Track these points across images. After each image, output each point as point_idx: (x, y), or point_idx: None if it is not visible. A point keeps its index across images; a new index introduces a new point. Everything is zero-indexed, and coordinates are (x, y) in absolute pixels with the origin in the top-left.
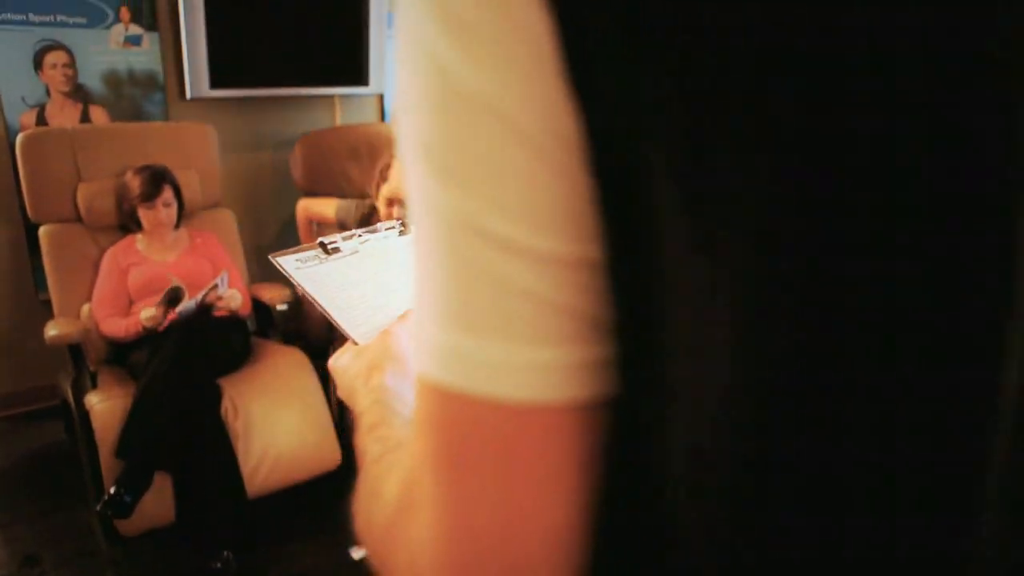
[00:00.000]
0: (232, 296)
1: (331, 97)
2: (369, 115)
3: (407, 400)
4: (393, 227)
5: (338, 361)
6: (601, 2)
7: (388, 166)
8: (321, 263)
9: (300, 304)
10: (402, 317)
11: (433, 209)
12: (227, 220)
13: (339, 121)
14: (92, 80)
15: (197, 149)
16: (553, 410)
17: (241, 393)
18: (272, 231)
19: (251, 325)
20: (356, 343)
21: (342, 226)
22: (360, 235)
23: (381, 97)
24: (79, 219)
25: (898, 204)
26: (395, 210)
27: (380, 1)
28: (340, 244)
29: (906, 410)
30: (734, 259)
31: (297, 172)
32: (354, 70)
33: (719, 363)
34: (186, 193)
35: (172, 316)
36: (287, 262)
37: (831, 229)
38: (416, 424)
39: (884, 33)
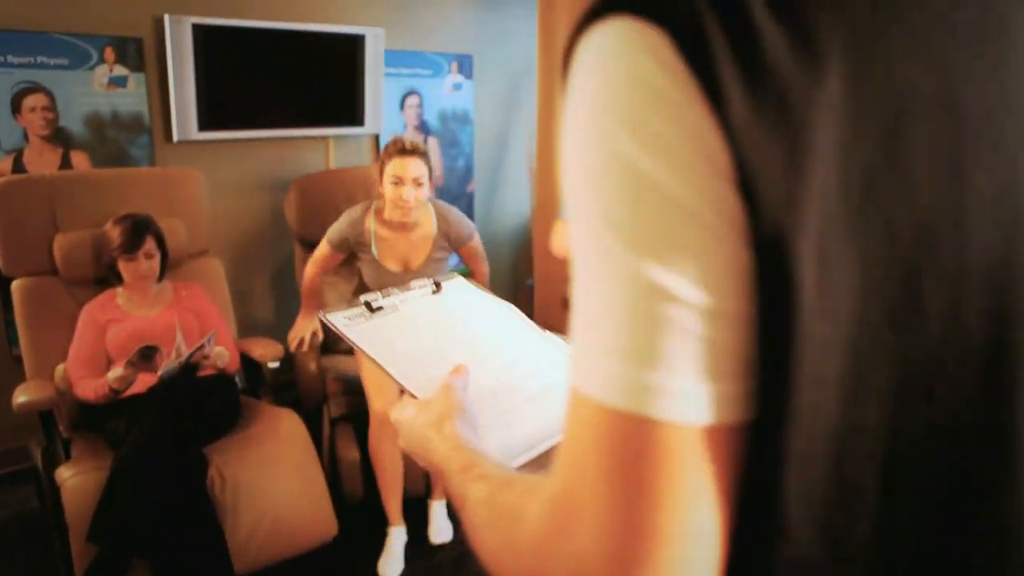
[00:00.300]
0: (220, 355)
1: (324, 138)
2: (364, 156)
3: (479, 444)
4: (426, 286)
5: (402, 414)
6: (762, 138)
7: (396, 140)
8: (367, 320)
9: (293, 360)
10: (455, 371)
11: (620, 270)
12: (215, 270)
13: (332, 163)
14: (74, 123)
15: (183, 195)
16: (716, 429)
17: (228, 461)
18: (263, 279)
19: (240, 382)
20: (414, 396)
21: (340, 247)
22: (396, 293)
23: (376, 138)
24: (55, 272)
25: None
26: (403, 190)
27: (376, 39)
28: (382, 303)
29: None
30: (844, 330)
31: (292, 216)
32: (348, 110)
33: (830, 399)
34: (171, 242)
35: (151, 378)
36: (336, 319)
37: (900, 323)
38: (581, 446)
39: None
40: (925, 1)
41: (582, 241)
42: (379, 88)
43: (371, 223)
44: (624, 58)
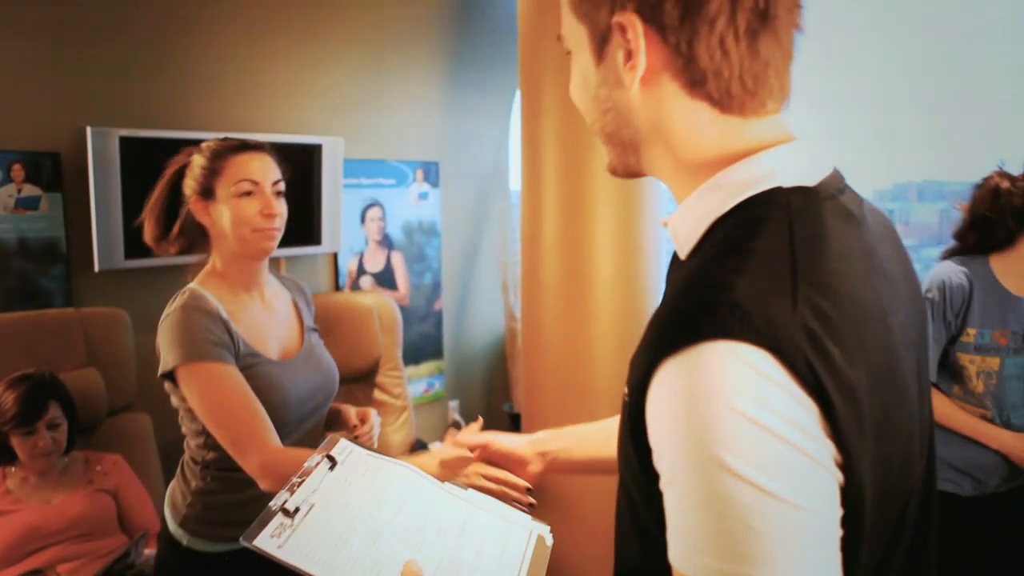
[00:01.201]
0: (150, 563)
1: (275, 260)
2: (321, 280)
3: None
4: (321, 463)
5: None
6: (844, 409)
7: (223, 140)
8: (293, 531)
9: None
10: (409, 571)
11: (758, 495)
12: (141, 428)
13: None
14: None
15: (103, 341)
16: None
17: None
18: None
19: None
20: None
21: (220, 348)
22: (298, 482)
23: (335, 257)
24: None
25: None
26: (264, 201)
27: (334, 148)
28: (295, 501)
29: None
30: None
31: None
32: (303, 227)
33: (873, 540)
34: (85, 401)
35: None
36: (265, 543)
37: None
38: None
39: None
40: (867, 299)
41: (713, 478)
42: (337, 202)
43: (209, 297)
44: (749, 363)
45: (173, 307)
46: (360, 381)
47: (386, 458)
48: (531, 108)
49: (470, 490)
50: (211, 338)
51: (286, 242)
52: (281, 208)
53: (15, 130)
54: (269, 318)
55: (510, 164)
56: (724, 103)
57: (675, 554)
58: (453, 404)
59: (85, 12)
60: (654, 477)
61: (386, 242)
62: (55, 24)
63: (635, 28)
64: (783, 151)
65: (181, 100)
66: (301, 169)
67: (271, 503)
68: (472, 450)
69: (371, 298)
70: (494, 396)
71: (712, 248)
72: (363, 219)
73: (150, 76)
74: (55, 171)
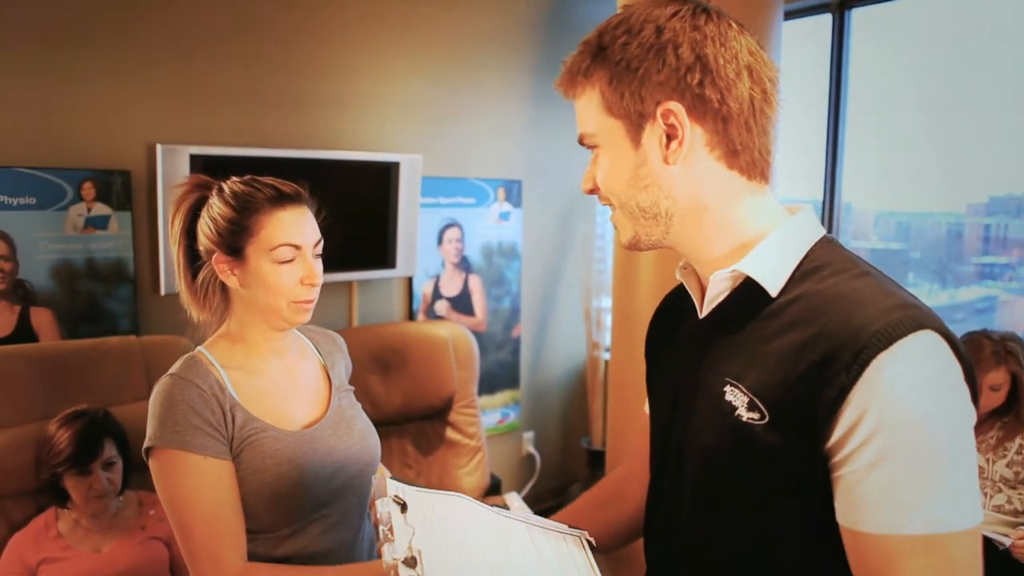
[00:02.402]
0: None
1: (347, 284)
2: (395, 307)
3: None
4: (391, 507)
5: None
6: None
7: (252, 182)
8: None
9: None
10: None
11: (967, 453)
12: None
13: (356, 314)
14: (38, 275)
15: (164, 371)
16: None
17: None
18: None
19: None
20: None
21: (209, 440)
22: (387, 531)
23: (410, 282)
24: None
25: None
26: (305, 266)
27: (412, 166)
28: (404, 552)
29: None
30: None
31: None
32: (377, 249)
33: None
34: (142, 436)
35: None
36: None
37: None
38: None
39: None
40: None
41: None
42: (414, 223)
43: (212, 365)
44: (943, 350)
45: (166, 374)
46: (432, 419)
47: (430, 491)
48: None
49: (507, 507)
50: (194, 422)
51: (359, 265)
52: (321, 273)
53: (86, 147)
54: (290, 384)
55: None
56: (751, 172)
57: (878, 523)
58: (528, 436)
59: (157, 29)
60: (810, 483)
61: (464, 265)
62: (127, 40)
63: (680, 114)
64: (806, 208)
65: (252, 116)
66: (377, 188)
67: (384, 558)
68: None
69: (447, 329)
70: (571, 430)
71: (827, 279)
72: (440, 240)
73: (220, 92)
74: (125, 189)
